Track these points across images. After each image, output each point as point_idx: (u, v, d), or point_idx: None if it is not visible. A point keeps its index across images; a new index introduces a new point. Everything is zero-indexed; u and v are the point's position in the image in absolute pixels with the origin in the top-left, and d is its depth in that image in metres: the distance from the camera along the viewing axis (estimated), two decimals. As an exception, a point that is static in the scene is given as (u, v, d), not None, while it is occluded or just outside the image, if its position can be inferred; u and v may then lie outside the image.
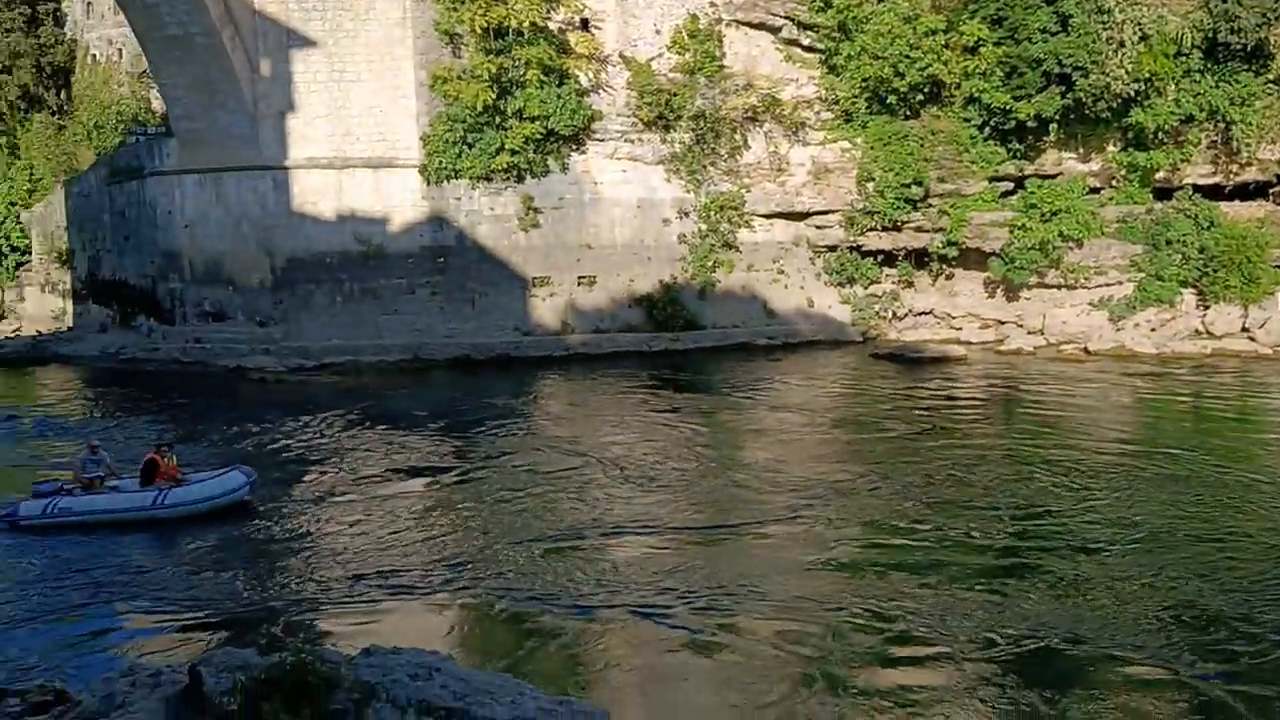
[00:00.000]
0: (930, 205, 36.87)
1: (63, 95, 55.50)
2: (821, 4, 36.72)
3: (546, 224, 37.68)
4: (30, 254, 51.08)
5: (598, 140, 37.91)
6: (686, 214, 38.25)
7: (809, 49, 37.96)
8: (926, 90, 36.53)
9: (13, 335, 46.59)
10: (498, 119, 36.23)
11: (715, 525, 17.83)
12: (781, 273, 38.71)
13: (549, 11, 36.53)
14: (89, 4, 54.02)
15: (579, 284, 38.09)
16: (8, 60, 54.35)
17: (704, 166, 38.04)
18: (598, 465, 21.82)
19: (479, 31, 35.49)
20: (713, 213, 38.07)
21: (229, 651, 9.65)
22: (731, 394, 30.19)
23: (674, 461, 21.96)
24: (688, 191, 38.20)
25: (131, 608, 14.89)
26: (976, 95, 36.04)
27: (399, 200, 36.84)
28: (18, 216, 52.02)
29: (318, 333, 36.62)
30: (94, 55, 52.91)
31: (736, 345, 37.42)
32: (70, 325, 45.91)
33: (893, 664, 12.39)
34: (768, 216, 38.42)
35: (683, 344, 37.10)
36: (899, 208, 36.76)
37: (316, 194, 36.62)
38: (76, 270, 45.70)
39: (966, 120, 36.76)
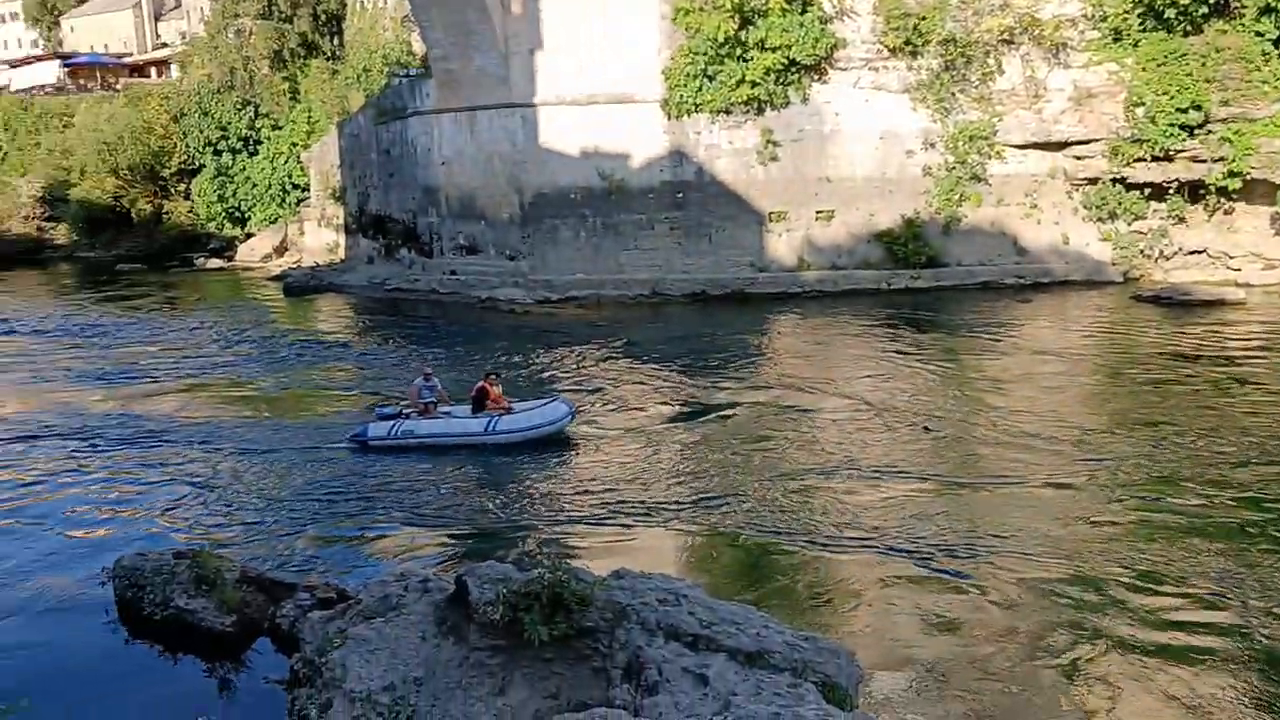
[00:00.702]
0: (1210, 132, 33.40)
1: (335, 41, 59.87)
2: (1091, -92, 33.71)
3: (785, 157, 37.18)
4: (309, 191, 55.81)
5: (840, 69, 36.80)
6: (932, 145, 36.63)
7: (1075, -39, 35.05)
8: (1212, 1, 32.94)
9: (294, 266, 51.29)
10: (738, 50, 35.87)
11: (966, 471, 17.29)
12: (1035, 207, 36.43)
13: (794, -63, 35.59)
14: (359, -47, 57.56)
15: (816, 219, 37.47)
16: (289, 10, 59.17)
17: (952, 94, 36.18)
18: (841, 405, 21.62)
19: (722, -39, 35.11)
20: (960, 143, 36.25)
21: (492, 564, 10.49)
22: (978, 335, 28.90)
23: (920, 405, 21.39)
24: (934, 121, 36.51)
25: (412, 518, 16.22)
26: (1274, 4, 32.11)
27: (641, 136, 37.36)
28: (298, 156, 56.90)
29: (562, 266, 38.06)
30: (362, 2, 56.49)
31: (982, 284, 35.75)
32: (343, 257, 49.98)
33: (1170, 628, 11.56)
34: (1021, 147, 36.09)
35: (924, 282, 35.86)
36: (1172, 135, 33.53)
37: (563, 130, 37.75)
38: (348, 205, 49.52)
39: (1259, 34, 32.88)
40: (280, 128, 58.85)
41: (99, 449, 20.06)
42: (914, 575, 13.20)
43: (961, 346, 27.87)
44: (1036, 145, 36.02)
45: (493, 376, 20.29)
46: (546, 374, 26.08)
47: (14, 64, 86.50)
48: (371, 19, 55.52)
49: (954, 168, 36.40)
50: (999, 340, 28.15)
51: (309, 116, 58.00)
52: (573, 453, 19.21)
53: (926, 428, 19.64)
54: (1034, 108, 35.88)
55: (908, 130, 36.70)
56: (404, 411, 19.81)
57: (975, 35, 35.25)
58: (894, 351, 27.09)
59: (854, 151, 37.05)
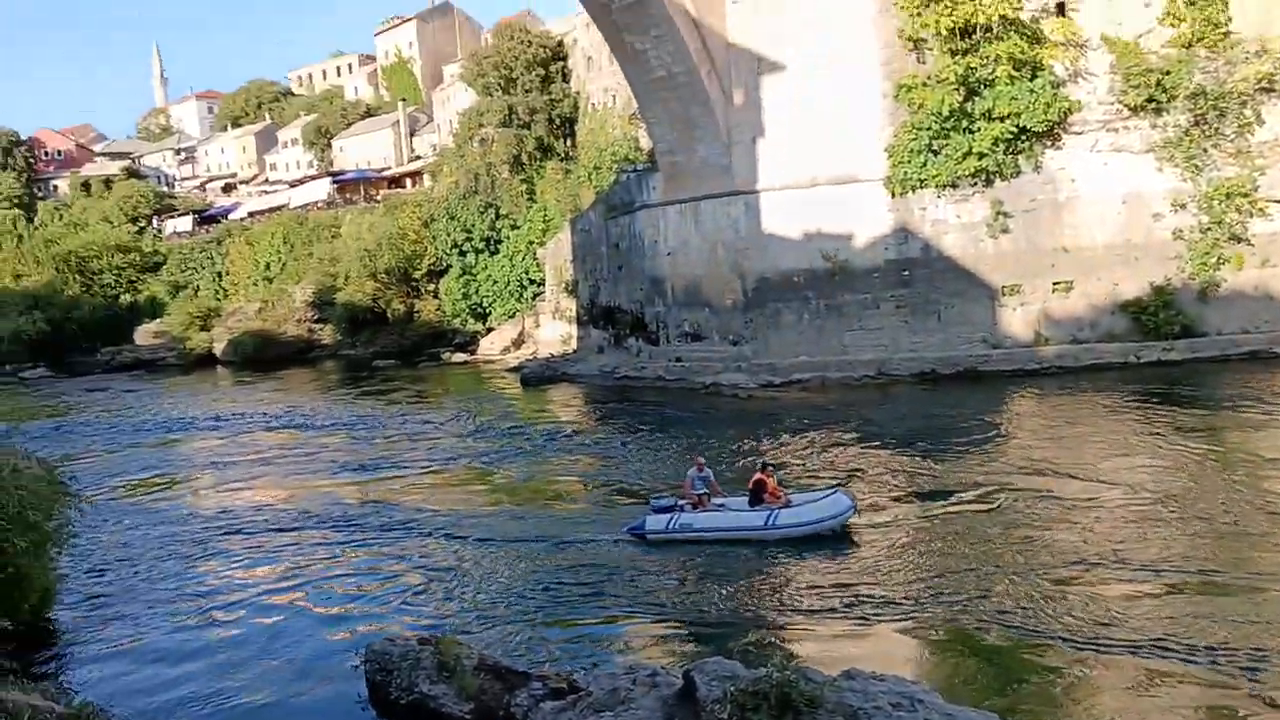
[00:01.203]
0: None
1: (569, 142, 63.38)
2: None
3: (1017, 228, 35.68)
4: (544, 286, 58.81)
5: (1075, 133, 35.17)
6: (1183, 206, 34.12)
7: (1344, -1, 32.05)
8: None
9: (530, 358, 53.90)
10: (964, 122, 35.07)
11: (1241, 565, 15.48)
12: (1309, 266, 33.02)
13: (1020, 1, 34.67)
14: (589, 58, 61.01)
15: (1053, 291, 35.55)
16: (527, 117, 63.26)
17: (1204, 150, 33.71)
18: (1095, 490, 20.01)
19: (945, 33, 34.64)
20: (1216, 202, 33.57)
21: (719, 660, 10.33)
22: (1245, 411, 26.18)
23: (1183, 490, 19.48)
24: (1184, 180, 34.06)
25: (642, 607, 16.25)
26: None
27: (864, 215, 37.00)
28: (535, 254, 60.23)
29: (785, 350, 37.92)
30: (594, 104, 59.65)
31: (1248, 354, 32.64)
32: (574, 348, 52.08)
33: None
34: (1290, 201, 33.01)
35: (1178, 353, 33.12)
36: None
37: (784, 215, 37.98)
38: (580, 298, 51.73)
39: None
40: (518, 227, 62.62)
41: (354, 537, 21.55)
42: (1187, 681, 11.80)
43: (1227, 423, 25.28)
44: (1307, 199, 32.81)
45: (769, 469, 19.72)
46: (776, 461, 25.79)
47: (293, 184, 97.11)
48: (601, 119, 58.47)
49: (1210, 229, 33.71)
50: (1272, 417, 25.38)
51: (544, 215, 61.44)
52: (804, 540, 18.73)
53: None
54: (1302, 159, 32.82)
55: (1154, 192, 34.40)
56: (679, 504, 19.49)
57: (1229, 85, 32.84)
58: (1149, 431, 24.95)
59: (1093, 218, 35.08)
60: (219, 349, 73.11)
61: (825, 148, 37.19)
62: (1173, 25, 33.89)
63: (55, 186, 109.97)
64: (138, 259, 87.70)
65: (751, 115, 38.13)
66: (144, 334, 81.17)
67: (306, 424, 38.90)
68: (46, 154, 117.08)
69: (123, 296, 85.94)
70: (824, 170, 37.29)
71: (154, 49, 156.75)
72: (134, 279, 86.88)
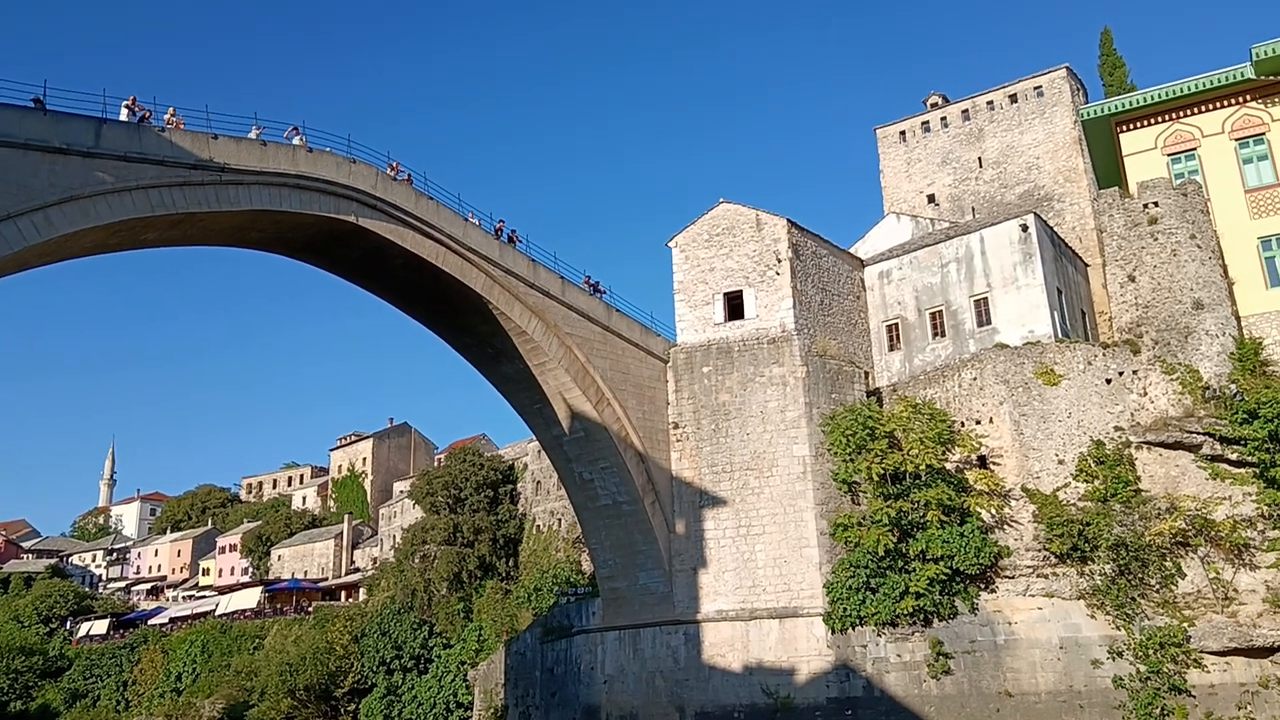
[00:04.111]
0: None
1: (511, 563, 63.53)
2: (1244, 416, 34.08)
3: (958, 669, 35.41)
4: (471, 710, 55.79)
5: (1007, 577, 36.21)
6: (1119, 654, 34.35)
7: (1239, 464, 34.82)
8: None
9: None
10: (900, 562, 36.08)
11: None
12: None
13: (945, 453, 37.25)
14: (538, 483, 63.12)
15: (1004, 738, 34.49)
16: (472, 535, 63.90)
17: (1133, 599, 34.60)
18: None
19: (876, 478, 36.75)
20: (1151, 651, 33.87)
21: None
22: None
23: None
24: (1117, 628, 34.60)
25: None
26: None
27: (804, 650, 36.68)
28: (465, 675, 57.83)
29: (729, 792, 35.55)
30: (539, 526, 60.73)
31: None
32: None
33: None
34: (1220, 654, 33.37)
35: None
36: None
37: (725, 646, 37.51)
38: (510, 725, 48.88)
39: None
40: (450, 646, 60.71)
41: None
42: None
43: None
44: (1237, 651, 33.25)
45: None
46: None
47: (223, 590, 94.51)
48: (545, 541, 59.20)
49: (1149, 678, 33.65)
50: None
51: (479, 635, 59.88)
52: None
53: None
54: (1227, 611, 33.74)
55: (1089, 639, 34.79)
56: None
57: (1147, 539, 34.47)
58: None
59: (1034, 662, 35.04)
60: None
61: (766, 580, 37.74)
62: (1086, 481, 36.34)
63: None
64: (39, 663, 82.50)
65: (693, 545, 39.00)
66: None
67: None
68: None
69: (13, 703, 79.55)
70: (764, 602, 37.51)
71: (110, 450, 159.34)
72: (30, 684, 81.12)
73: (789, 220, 42.01)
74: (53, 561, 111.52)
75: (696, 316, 42.29)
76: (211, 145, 30.19)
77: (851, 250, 47.53)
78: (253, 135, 31.96)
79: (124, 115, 29.31)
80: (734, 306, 41.84)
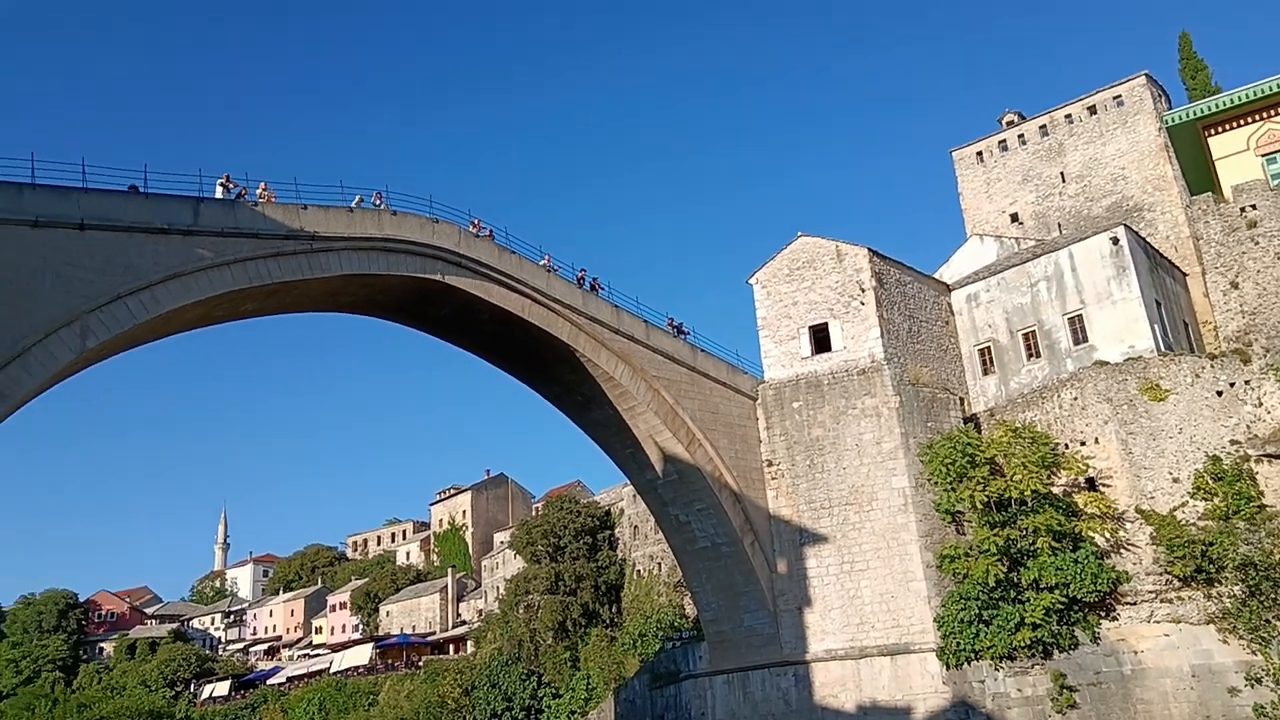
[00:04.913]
0: None
1: (614, 609, 63.33)
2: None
3: (1085, 703, 33.89)
4: (584, 759, 55.55)
5: (1129, 604, 34.67)
6: (1257, 680, 32.45)
7: (1371, 475, 32.90)
8: None
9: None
10: (1012, 592, 34.89)
11: None
12: None
13: (1050, 477, 36.05)
14: (635, 527, 63.03)
15: (1139, 777, 32.83)
16: (573, 583, 63.97)
17: (1267, 621, 32.74)
18: None
19: (980, 507, 35.74)
20: (1294, 677, 31.93)
21: None
22: None
23: None
24: (1253, 653, 32.74)
25: None
26: None
27: (919, 687, 35.58)
28: (576, 723, 57.72)
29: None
30: (639, 571, 60.51)
31: None
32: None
33: None
34: (1373, 678, 31.30)
35: None
36: None
37: (836, 686, 36.66)
38: (623, 774, 48.51)
39: None
40: (560, 695, 60.65)
41: None
42: None
43: None
44: (1390, 675, 31.13)
45: None
46: None
47: (336, 648, 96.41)
48: (647, 586, 58.93)
49: (1294, 707, 31.72)
50: None
51: (587, 683, 59.69)
52: None
53: None
54: (1372, 630, 31.70)
55: (1224, 665, 32.98)
56: None
57: (1277, 557, 32.68)
58: None
59: (1165, 693, 33.33)
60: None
61: (874, 617, 36.85)
62: (1204, 499, 34.70)
63: (101, 649, 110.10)
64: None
65: (796, 584, 38.36)
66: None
67: None
68: (100, 616, 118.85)
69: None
70: (873, 639, 36.60)
71: (222, 514, 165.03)
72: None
73: (870, 249, 41.55)
74: (174, 626, 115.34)
75: (783, 351, 41.96)
76: (302, 215, 31.32)
77: (936, 275, 46.71)
78: (355, 204, 33.09)
79: (219, 192, 30.66)
80: (820, 339, 41.41)
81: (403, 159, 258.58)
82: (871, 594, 37.15)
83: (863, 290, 40.91)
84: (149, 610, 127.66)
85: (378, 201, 33.87)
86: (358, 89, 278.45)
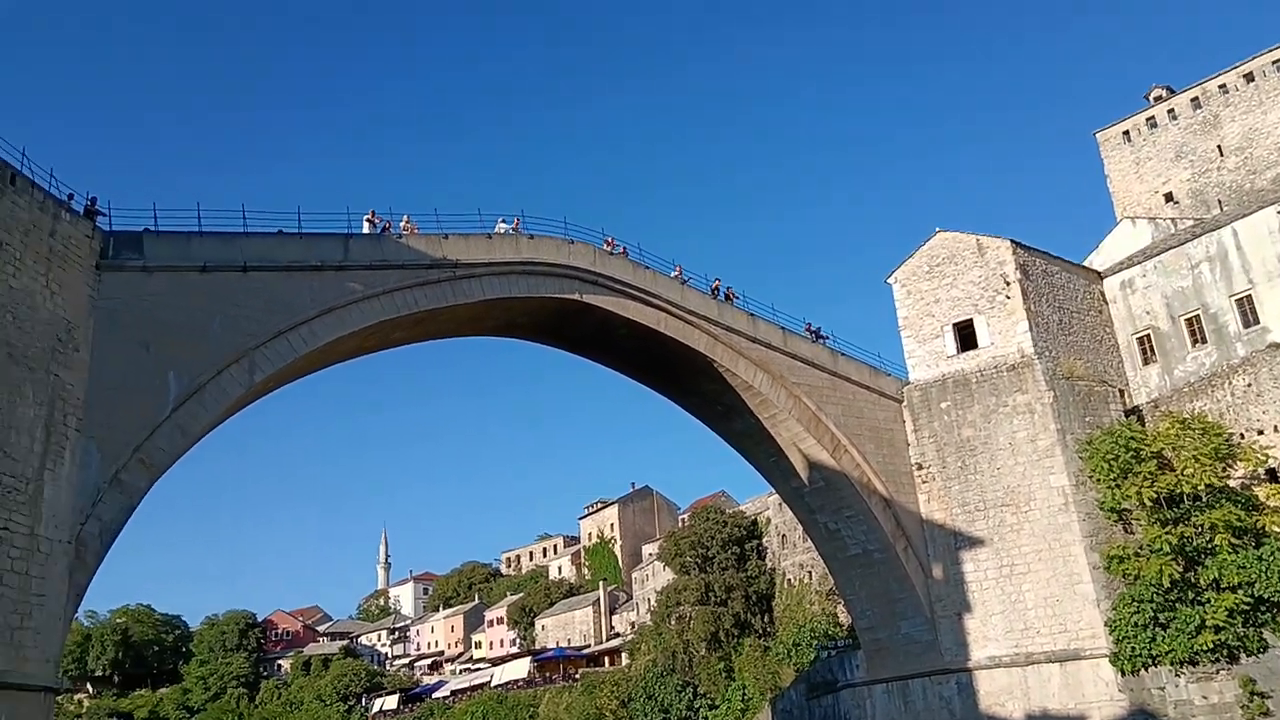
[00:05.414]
0: None
1: (766, 618, 62.85)
2: None
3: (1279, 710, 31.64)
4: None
5: (1324, 600, 32.20)
6: None
7: None
8: None
9: None
10: (1190, 593, 32.92)
11: None
12: None
13: (1225, 470, 33.92)
14: (783, 536, 62.42)
15: (1345, 787, 30.42)
16: (724, 594, 63.83)
17: None
18: None
19: (1149, 503, 33.93)
20: None
21: None
22: None
23: None
24: None
25: None
26: None
27: (1093, 695, 33.91)
28: (734, 735, 57.46)
29: None
30: (789, 580, 59.89)
31: None
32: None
33: None
34: None
35: None
36: None
37: (1003, 694, 35.34)
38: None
39: None
40: (716, 707, 60.52)
41: None
42: None
43: None
44: None
45: None
46: None
47: (495, 662, 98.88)
48: (798, 595, 58.26)
49: None
50: None
51: (743, 694, 59.39)
52: None
53: None
54: None
55: None
56: None
57: None
58: None
59: (1371, 698, 30.81)
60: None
61: (1038, 622, 35.39)
62: (1406, 485, 32.01)
63: (280, 665, 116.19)
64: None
65: (954, 590, 37.22)
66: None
67: None
68: (277, 634, 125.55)
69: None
70: (1040, 645, 35.13)
71: (382, 536, 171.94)
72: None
73: (1013, 241, 40.07)
74: (344, 643, 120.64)
75: (926, 351, 40.90)
76: (443, 244, 32.46)
77: (1085, 263, 44.66)
78: (499, 229, 34.15)
79: (366, 228, 32.11)
80: (965, 336, 40.17)
81: (540, 178, 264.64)
82: (1035, 598, 35.70)
83: (1007, 283, 39.49)
84: (320, 628, 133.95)
85: (515, 227, 34.78)
86: (508, 96, 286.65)
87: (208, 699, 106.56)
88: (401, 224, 32.68)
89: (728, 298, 38.97)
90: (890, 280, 42.50)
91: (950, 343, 40.38)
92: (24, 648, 22.17)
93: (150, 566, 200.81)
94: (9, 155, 23.83)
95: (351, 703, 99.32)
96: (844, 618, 50.45)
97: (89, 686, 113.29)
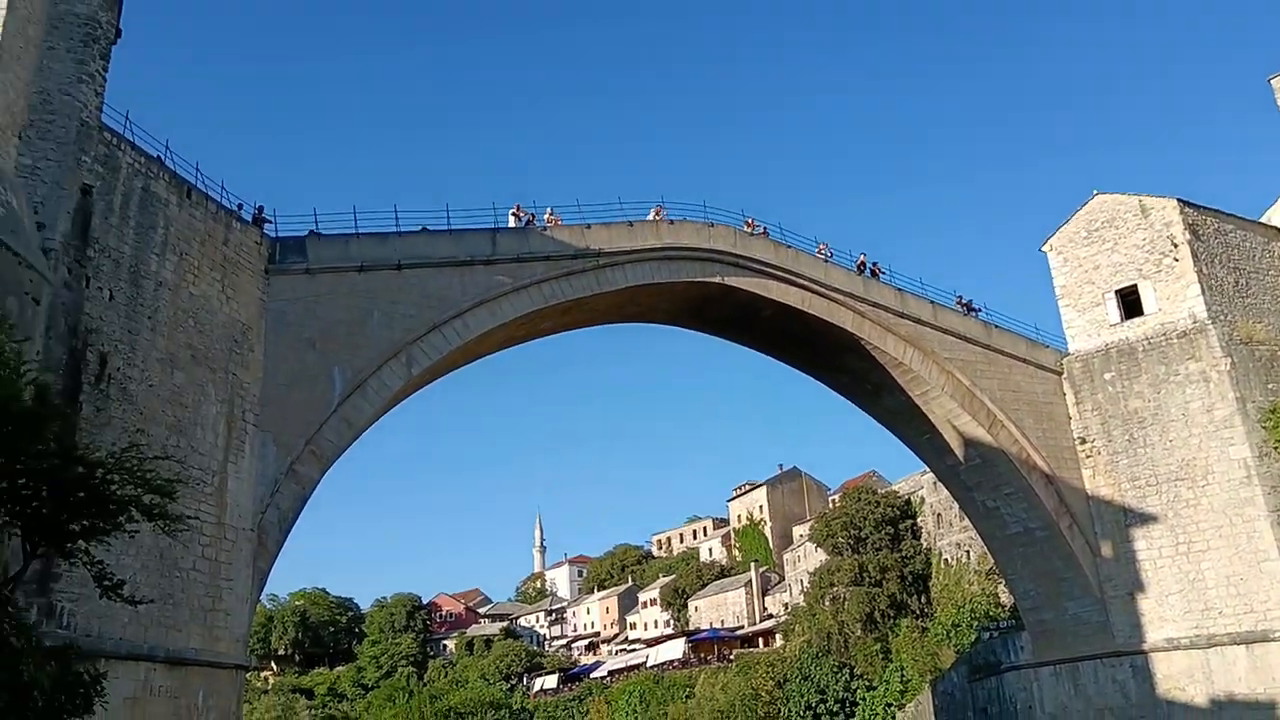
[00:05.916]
0: None
1: (923, 599, 61.53)
2: None
3: None
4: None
5: None
6: None
7: None
8: None
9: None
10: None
11: None
12: None
13: None
14: (938, 515, 60.91)
15: None
16: (878, 574, 62.82)
17: None
18: None
19: (1342, 475, 31.52)
20: None
21: None
22: None
23: None
24: None
25: None
26: None
27: (1286, 679, 31.85)
28: (893, 717, 56.51)
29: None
30: (946, 560, 58.42)
31: None
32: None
33: None
34: None
35: None
36: None
37: (1182, 678, 33.57)
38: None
39: None
40: (874, 688, 59.69)
41: None
42: None
43: None
44: None
45: None
46: None
47: (650, 643, 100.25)
48: (956, 575, 56.79)
49: None
50: None
51: (901, 675, 58.36)
52: None
53: None
54: None
55: None
56: None
57: None
58: None
59: None
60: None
61: (1220, 602, 33.44)
62: None
63: (445, 645, 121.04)
64: (506, 716, 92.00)
65: (1125, 568, 35.53)
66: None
67: None
68: (441, 616, 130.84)
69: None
70: (1223, 627, 33.19)
71: (537, 520, 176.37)
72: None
73: (1180, 200, 37.72)
74: (504, 624, 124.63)
75: (1087, 320, 39.03)
76: (586, 234, 32.96)
77: (1263, 220, 41.61)
78: (650, 216, 34.45)
79: (511, 222, 32.92)
80: (1130, 303, 38.13)
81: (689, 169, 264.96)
82: (1215, 577, 33.73)
83: (1175, 245, 37.23)
84: (481, 610, 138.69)
85: (658, 214, 34.98)
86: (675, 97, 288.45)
87: (380, 677, 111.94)
88: (545, 216, 33.35)
89: (873, 273, 38.15)
90: (1046, 248, 40.71)
91: (1113, 310, 38.42)
92: (216, 629, 23.90)
93: (321, 551, 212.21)
94: (184, 170, 25.55)
95: (513, 681, 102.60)
96: (1005, 597, 48.91)
97: (273, 665, 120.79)
